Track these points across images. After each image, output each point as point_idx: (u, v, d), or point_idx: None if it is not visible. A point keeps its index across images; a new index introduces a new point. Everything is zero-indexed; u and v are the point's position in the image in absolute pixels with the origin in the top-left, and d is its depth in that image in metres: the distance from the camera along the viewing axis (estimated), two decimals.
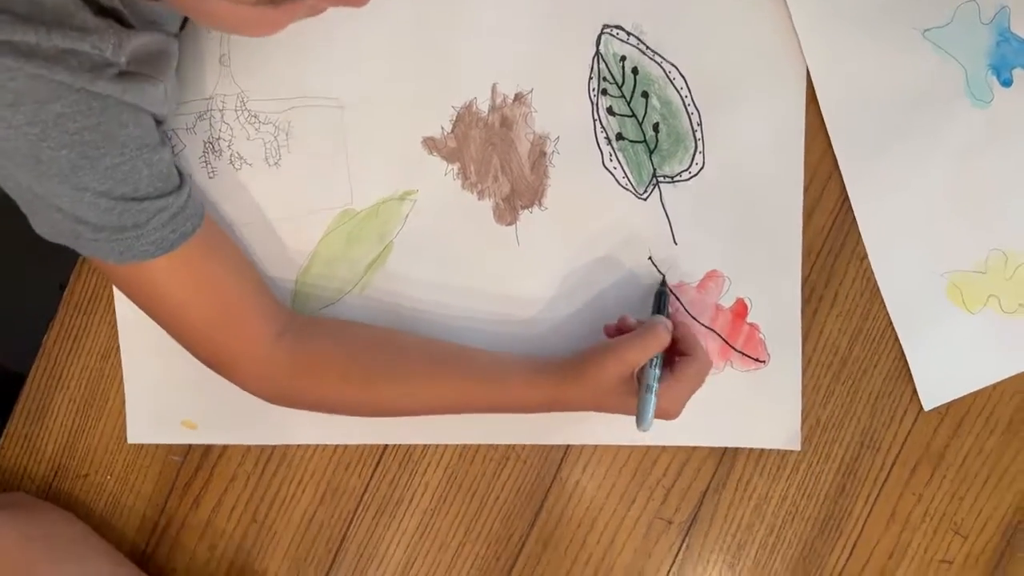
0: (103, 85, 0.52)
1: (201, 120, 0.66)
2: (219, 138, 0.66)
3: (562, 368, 0.64)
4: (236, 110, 0.66)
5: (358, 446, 0.69)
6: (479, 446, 0.70)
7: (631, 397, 0.61)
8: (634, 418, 0.61)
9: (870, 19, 0.68)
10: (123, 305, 0.67)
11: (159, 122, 0.58)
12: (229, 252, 0.63)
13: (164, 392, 0.68)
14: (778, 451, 0.70)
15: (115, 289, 0.67)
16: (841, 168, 0.69)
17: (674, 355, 0.64)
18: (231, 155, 0.66)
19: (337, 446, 0.69)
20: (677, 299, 0.69)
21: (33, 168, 0.52)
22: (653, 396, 0.60)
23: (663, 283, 0.69)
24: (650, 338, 0.62)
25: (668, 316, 0.66)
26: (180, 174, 0.59)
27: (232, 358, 0.62)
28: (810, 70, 0.68)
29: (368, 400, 0.64)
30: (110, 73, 0.53)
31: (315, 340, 0.64)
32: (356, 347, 0.64)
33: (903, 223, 0.69)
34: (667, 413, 0.62)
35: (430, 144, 0.68)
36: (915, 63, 0.68)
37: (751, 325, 0.70)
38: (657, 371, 0.62)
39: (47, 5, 0.50)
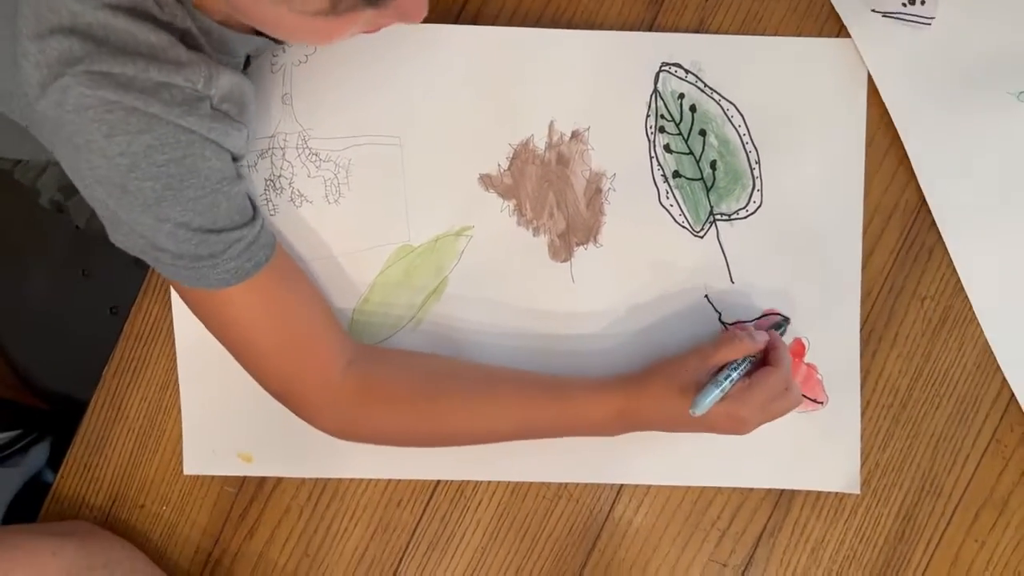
0: (192, 120, 0.54)
1: (263, 158, 0.67)
2: (280, 176, 0.67)
3: (628, 379, 0.63)
4: (297, 148, 0.66)
5: (410, 482, 0.69)
6: (531, 484, 0.69)
7: None
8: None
9: (959, 86, 0.68)
10: (182, 337, 0.68)
11: (235, 158, 0.59)
12: (300, 281, 0.63)
13: (221, 424, 0.69)
14: (836, 494, 0.69)
15: (175, 321, 0.68)
16: (946, 241, 0.68)
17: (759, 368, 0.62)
18: (292, 192, 0.67)
19: (389, 481, 0.69)
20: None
21: (120, 197, 0.54)
22: (718, 390, 0.59)
23: (785, 319, 0.68)
24: (732, 341, 0.61)
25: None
26: (254, 206, 0.60)
27: (302, 387, 0.62)
28: (905, 145, 0.68)
29: (434, 425, 0.63)
30: (201, 109, 0.54)
31: (382, 367, 0.64)
32: (421, 373, 0.64)
33: (1014, 286, 0.68)
34: (737, 422, 0.60)
35: (487, 181, 0.68)
36: (1012, 127, 0.68)
37: (809, 366, 0.69)
38: (734, 374, 0.60)
39: (142, 39, 0.51)
